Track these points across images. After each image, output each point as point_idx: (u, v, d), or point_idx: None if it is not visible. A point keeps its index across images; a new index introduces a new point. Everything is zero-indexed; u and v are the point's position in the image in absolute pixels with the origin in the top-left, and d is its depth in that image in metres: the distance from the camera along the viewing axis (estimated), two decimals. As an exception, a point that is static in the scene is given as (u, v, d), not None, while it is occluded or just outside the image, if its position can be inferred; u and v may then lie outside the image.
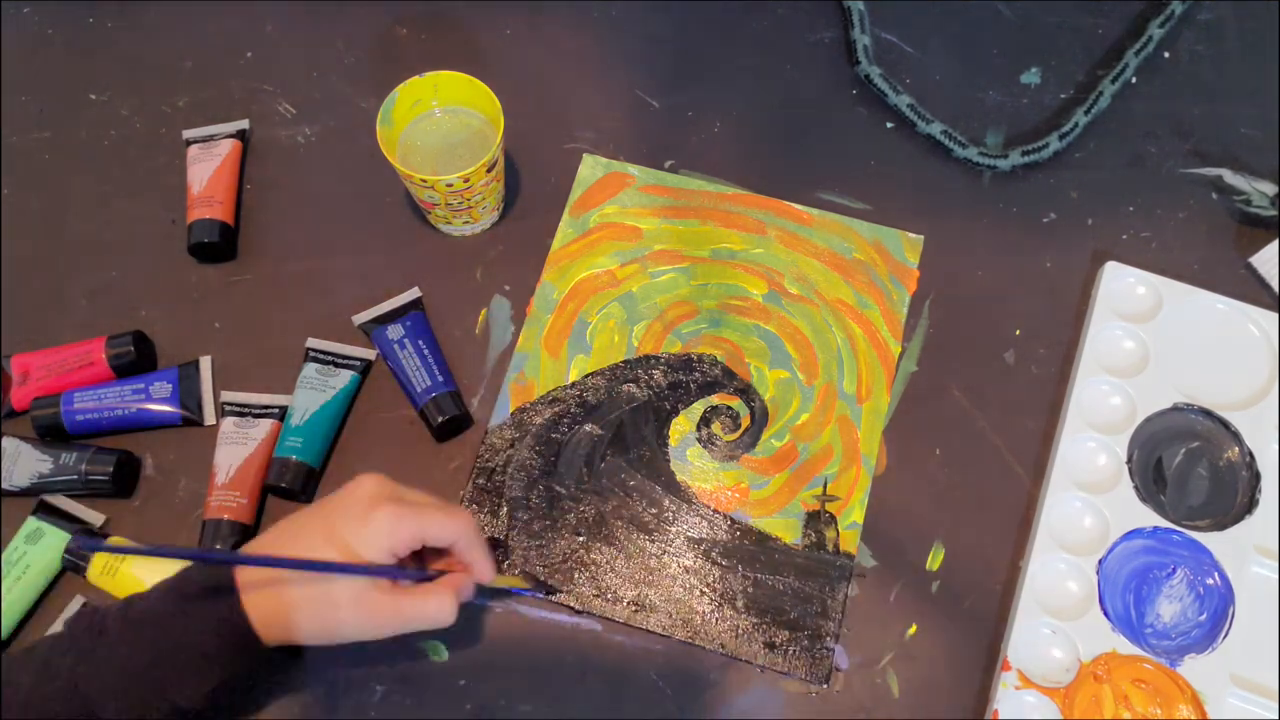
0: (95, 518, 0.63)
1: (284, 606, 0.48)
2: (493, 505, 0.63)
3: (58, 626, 0.59)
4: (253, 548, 0.51)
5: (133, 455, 0.64)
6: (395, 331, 0.66)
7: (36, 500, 0.63)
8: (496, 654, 0.60)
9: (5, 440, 0.63)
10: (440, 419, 0.64)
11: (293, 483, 0.62)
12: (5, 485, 0.62)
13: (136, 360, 0.66)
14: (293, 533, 0.50)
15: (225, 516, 0.61)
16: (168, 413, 0.65)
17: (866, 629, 0.60)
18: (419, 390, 0.64)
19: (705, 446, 0.65)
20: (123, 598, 0.50)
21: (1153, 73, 0.77)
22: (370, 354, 0.67)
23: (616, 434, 0.65)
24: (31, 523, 0.62)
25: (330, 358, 0.66)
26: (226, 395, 0.66)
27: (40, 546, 0.61)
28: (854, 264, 0.70)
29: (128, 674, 0.46)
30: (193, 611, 0.48)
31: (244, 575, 0.48)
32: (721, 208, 0.72)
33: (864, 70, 0.76)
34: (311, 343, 0.67)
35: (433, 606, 0.50)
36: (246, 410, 0.65)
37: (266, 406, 0.66)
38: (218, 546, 0.61)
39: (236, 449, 0.63)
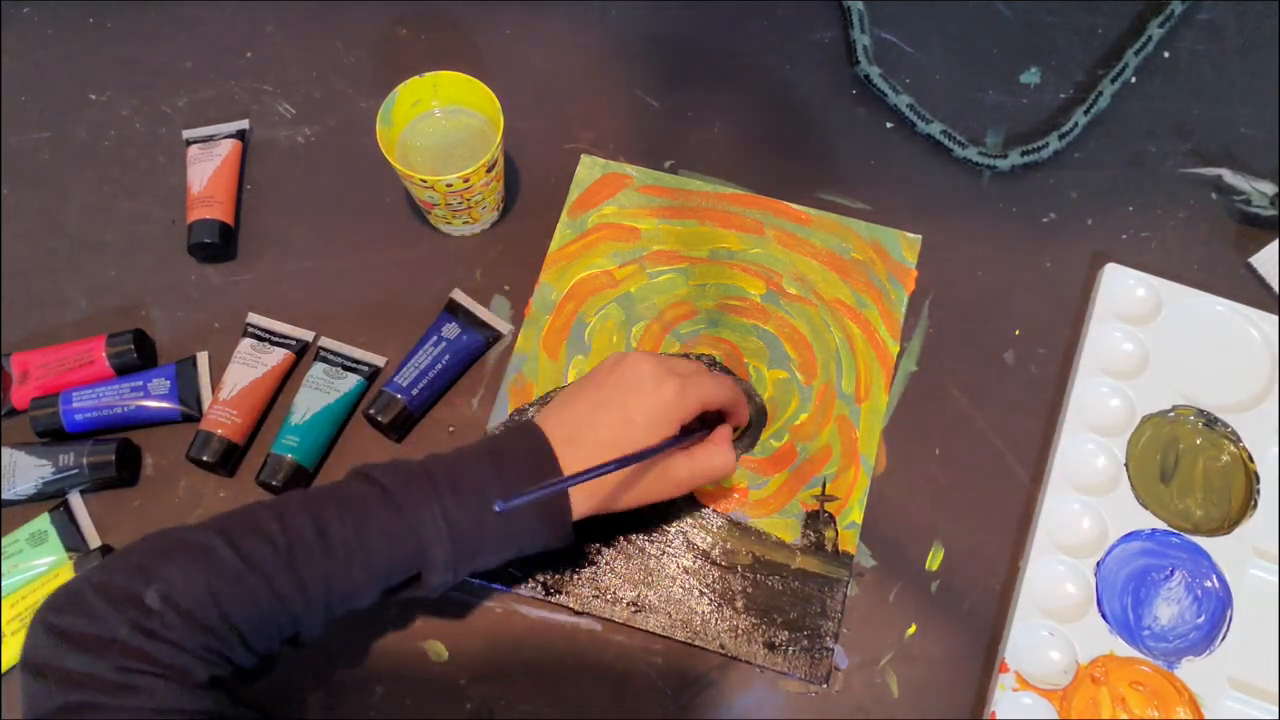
0: (93, 537, 0.63)
1: (600, 483, 0.52)
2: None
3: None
4: (553, 417, 0.54)
5: (130, 441, 0.65)
6: (451, 330, 0.67)
7: (61, 501, 0.63)
8: (496, 654, 0.60)
9: (3, 451, 0.63)
10: (371, 411, 0.64)
11: (284, 482, 0.62)
12: (8, 495, 0.62)
13: (137, 359, 0.66)
14: (588, 418, 0.53)
15: (219, 431, 0.63)
16: (166, 409, 0.65)
17: (866, 629, 0.61)
18: (392, 380, 0.65)
19: (704, 447, 0.65)
20: (435, 455, 0.53)
21: (1153, 73, 0.77)
22: (379, 360, 0.67)
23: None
24: (43, 521, 0.62)
25: (339, 360, 0.67)
26: (252, 318, 0.68)
27: (38, 552, 0.61)
28: (852, 264, 0.70)
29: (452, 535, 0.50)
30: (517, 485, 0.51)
31: (560, 449, 0.52)
32: (719, 208, 0.72)
33: (864, 70, 0.76)
34: (324, 342, 0.68)
35: (719, 459, 0.56)
36: (266, 336, 0.67)
37: (286, 337, 0.67)
38: (205, 459, 0.62)
39: (247, 370, 0.65)
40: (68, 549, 0.61)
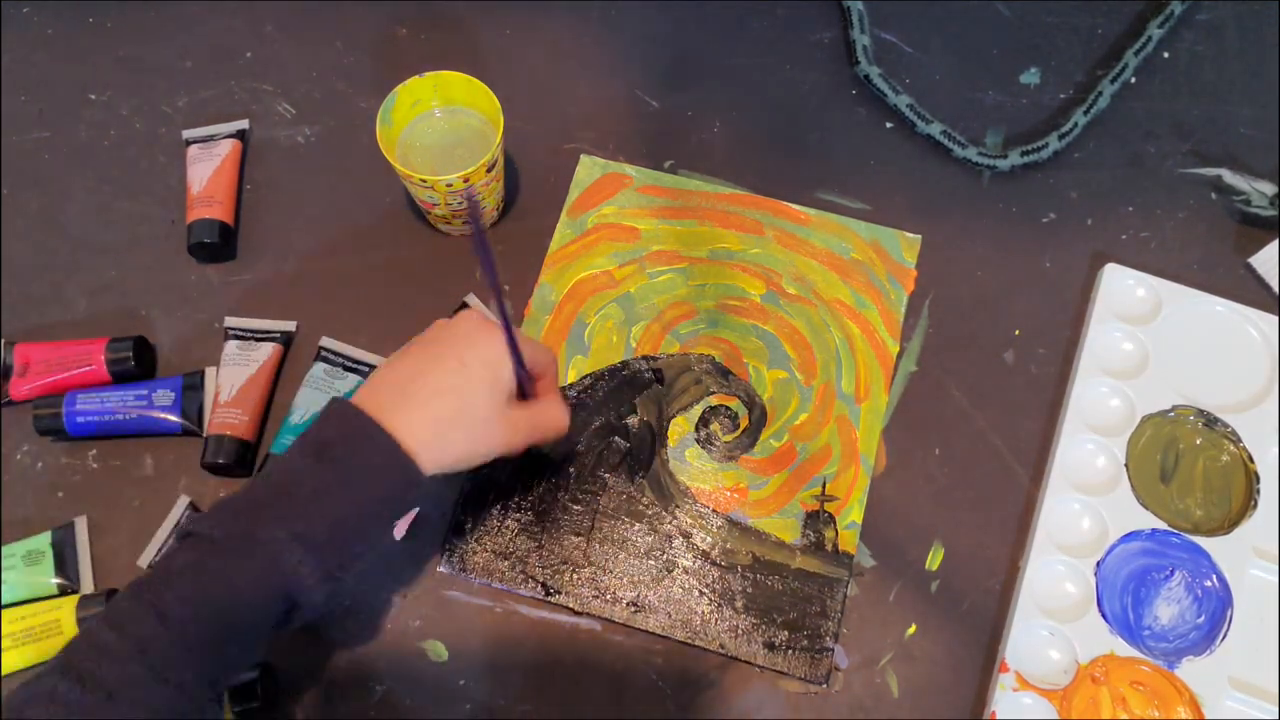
0: (86, 568, 0.62)
1: (439, 429, 0.51)
2: (491, 505, 0.63)
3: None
4: (378, 380, 0.53)
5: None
6: None
7: (67, 522, 0.63)
8: (496, 654, 0.60)
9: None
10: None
11: None
12: None
13: (134, 367, 0.66)
14: (418, 369, 0.52)
15: (227, 433, 0.63)
16: (168, 421, 0.65)
17: (866, 629, 0.61)
18: None
19: (704, 447, 0.65)
20: (254, 479, 0.52)
21: (1152, 73, 0.77)
22: (380, 361, 0.67)
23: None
24: (42, 541, 0.62)
25: (340, 360, 0.67)
26: (230, 320, 0.68)
27: (30, 572, 0.61)
28: (852, 264, 0.70)
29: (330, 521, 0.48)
30: (352, 462, 0.49)
31: (380, 413, 0.50)
32: (719, 208, 0.72)
33: (864, 70, 0.76)
34: (324, 342, 0.68)
35: (554, 413, 0.57)
36: (249, 335, 0.67)
37: (268, 332, 0.68)
38: (220, 461, 0.63)
39: (239, 370, 0.66)
40: (56, 577, 0.61)
